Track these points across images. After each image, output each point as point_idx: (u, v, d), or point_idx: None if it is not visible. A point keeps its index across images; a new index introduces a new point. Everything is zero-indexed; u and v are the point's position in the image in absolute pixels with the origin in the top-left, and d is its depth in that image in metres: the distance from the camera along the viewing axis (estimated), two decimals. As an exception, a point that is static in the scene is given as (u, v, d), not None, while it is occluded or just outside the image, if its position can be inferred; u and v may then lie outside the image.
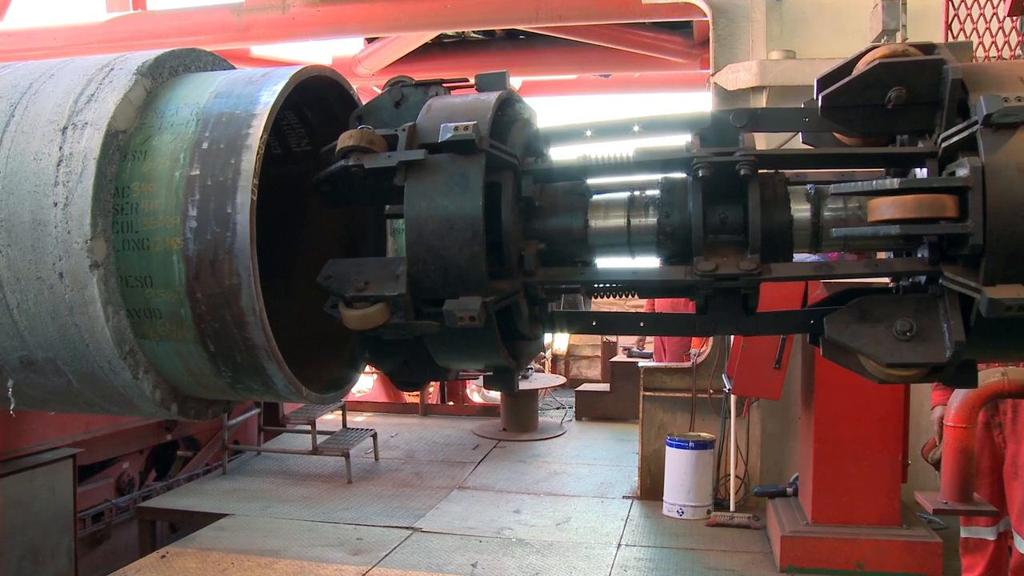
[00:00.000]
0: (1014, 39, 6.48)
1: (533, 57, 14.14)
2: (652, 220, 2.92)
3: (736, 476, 8.78)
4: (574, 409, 14.19)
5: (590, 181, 3.14)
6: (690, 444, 8.64)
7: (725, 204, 2.77)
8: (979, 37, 6.56)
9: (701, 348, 10.16)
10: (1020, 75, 2.43)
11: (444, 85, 3.19)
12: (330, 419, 11.96)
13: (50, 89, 2.90)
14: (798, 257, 2.95)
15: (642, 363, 10.16)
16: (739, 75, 8.59)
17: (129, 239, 2.76)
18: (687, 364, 9.50)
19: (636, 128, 3.00)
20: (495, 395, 14.76)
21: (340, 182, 2.86)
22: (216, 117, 2.79)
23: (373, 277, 2.79)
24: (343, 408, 11.71)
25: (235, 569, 7.23)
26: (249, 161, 2.66)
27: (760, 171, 2.80)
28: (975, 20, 6.55)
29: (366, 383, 16.68)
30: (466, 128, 2.64)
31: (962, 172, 2.38)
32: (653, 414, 9.46)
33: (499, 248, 2.78)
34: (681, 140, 2.89)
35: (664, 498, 8.87)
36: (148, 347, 2.87)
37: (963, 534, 5.70)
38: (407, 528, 8.36)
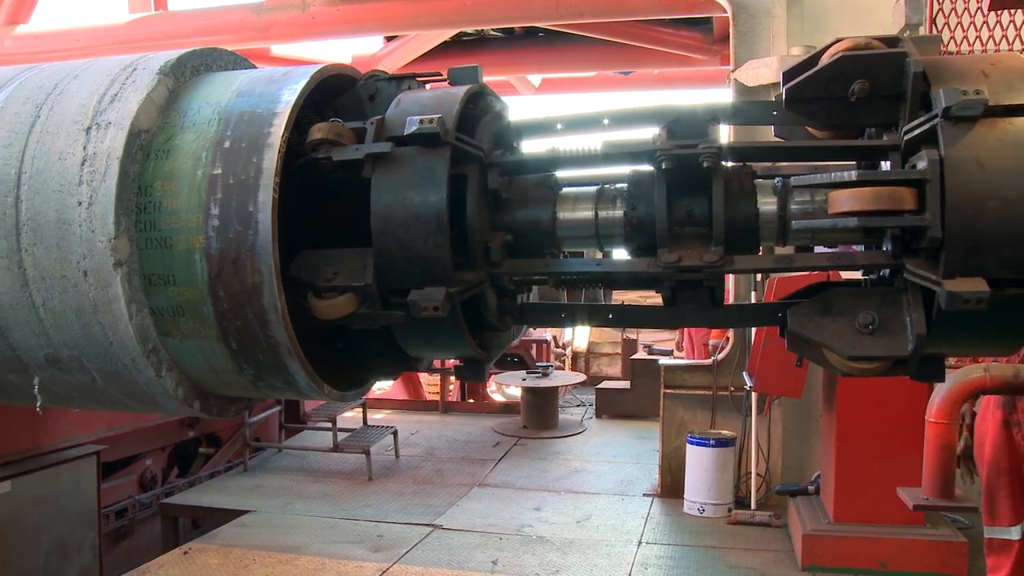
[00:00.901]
0: (998, 33, 6.42)
1: (552, 54, 14.12)
2: (619, 212, 2.95)
3: (757, 474, 8.74)
4: (594, 406, 14.16)
5: (567, 174, 3.16)
6: (711, 442, 8.61)
7: (691, 197, 2.79)
8: (963, 31, 6.50)
9: (722, 339, 10.12)
10: (982, 68, 2.42)
11: (418, 79, 3.22)
12: (350, 416, 12.01)
13: (74, 89, 2.93)
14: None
15: (662, 360, 10.14)
16: (759, 71, 8.54)
17: (152, 237, 2.78)
18: (708, 361, 9.47)
19: (605, 121, 3.03)
20: (515, 392, 14.76)
21: (311, 175, 2.89)
22: (238, 116, 2.81)
23: (342, 268, 2.82)
24: (364, 405, 11.74)
25: (256, 565, 7.27)
26: (271, 160, 2.68)
27: (729, 164, 2.83)
28: (959, 14, 6.49)
29: (386, 380, 16.71)
30: (431, 121, 2.67)
31: (922, 165, 2.39)
32: (674, 411, 9.44)
33: (465, 239, 2.82)
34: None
35: (685, 496, 8.84)
36: (171, 345, 2.90)
37: (986, 534, 5.65)
38: (428, 525, 8.38)
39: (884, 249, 2.63)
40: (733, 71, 8.83)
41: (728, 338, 9.55)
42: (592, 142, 2.97)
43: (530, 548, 7.77)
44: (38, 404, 3.14)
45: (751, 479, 8.75)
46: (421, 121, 2.69)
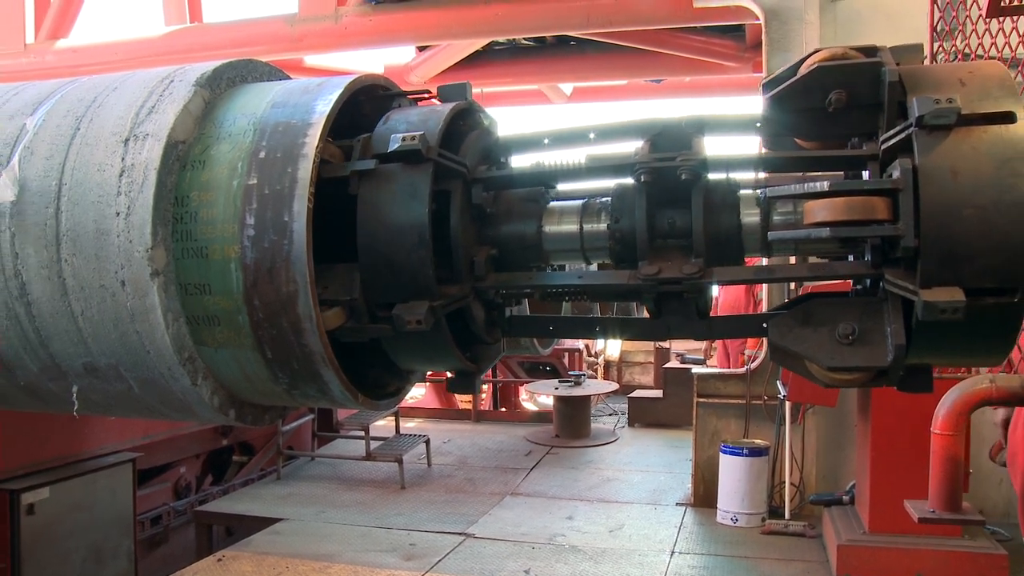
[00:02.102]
0: (1000, 40, 6.33)
1: (584, 63, 14.11)
2: (604, 226, 2.98)
3: (791, 484, 8.65)
4: (627, 415, 14.09)
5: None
6: (744, 451, 8.54)
7: (673, 209, 2.82)
8: (965, 39, 6.41)
9: (756, 348, 10.04)
10: (960, 77, 2.41)
11: (410, 96, 3.26)
12: (383, 425, 12.04)
13: (113, 102, 2.97)
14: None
15: (696, 369, 10.08)
16: (793, 78, 8.46)
17: (188, 247, 2.81)
18: (741, 370, 9.40)
19: (592, 136, 3.06)
20: (548, 401, 14.73)
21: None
22: (273, 126, 2.83)
23: (332, 282, 2.89)
24: (396, 414, 11.77)
25: (290, 573, 7.30)
26: (306, 170, 2.70)
27: (713, 176, 2.84)
28: (961, 22, 6.40)
29: (419, 389, 16.76)
30: (413, 138, 2.73)
31: (897, 174, 2.37)
32: (707, 420, 9.37)
33: (449, 254, 2.87)
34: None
35: (718, 505, 8.77)
36: (207, 353, 2.92)
37: None
38: (460, 534, 8.38)
39: (866, 259, 2.62)
40: (766, 78, 8.76)
41: (763, 347, 9.48)
42: (580, 156, 3.02)
43: (562, 557, 7.74)
44: (75, 411, 3.18)
45: (785, 488, 8.66)
46: (403, 138, 2.75)
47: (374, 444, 10.50)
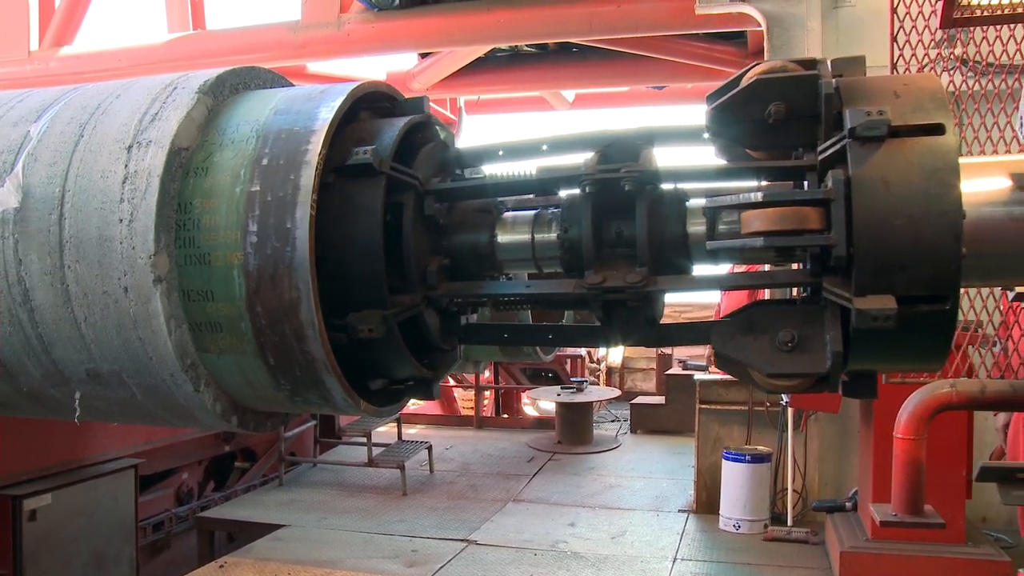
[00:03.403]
0: (959, 50, 6.37)
1: (586, 70, 14.12)
2: (554, 235, 3.04)
3: (794, 490, 8.64)
4: (629, 422, 14.08)
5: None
6: (747, 457, 8.53)
7: (621, 219, 2.88)
8: (924, 49, 6.43)
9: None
10: (895, 89, 2.45)
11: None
12: (385, 431, 12.03)
13: (116, 109, 2.98)
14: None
15: (698, 376, 10.07)
16: (795, 85, 8.46)
17: (191, 254, 2.82)
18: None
19: (544, 148, 3.15)
20: (550, 408, 14.73)
21: None
22: (276, 133, 2.84)
23: None
24: (398, 420, 11.76)
25: (292, 579, 7.30)
26: (308, 176, 2.71)
27: (666, 187, 2.90)
28: (920, 32, 6.42)
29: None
30: (365, 152, 2.81)
31: (830, 185, 2.42)
32: (709, 427, 9.37)
33: (402, 264, 2.94)
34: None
35: (720, 512, 8.76)
36: (209, 360, 2.93)
37: None
38: (462, 540, 8.37)
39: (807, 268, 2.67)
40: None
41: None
42: (532, 167, 3.11)
43: (565, 564, 7.73)
44: (77, 417, 3.19)
45: (787, 495, 8.64)
46: (356, 152, 2.82)
47: (376, 450, 10.49)
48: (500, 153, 3.22)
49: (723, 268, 3.28)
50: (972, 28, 6.33)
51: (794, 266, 2.97)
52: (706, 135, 2.89)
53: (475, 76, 14.33)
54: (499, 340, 3.55)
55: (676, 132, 3.02)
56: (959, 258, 2.27)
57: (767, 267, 3.60)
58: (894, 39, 6.47)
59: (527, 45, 13.80)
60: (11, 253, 2.92)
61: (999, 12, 5.29)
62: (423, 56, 13.88)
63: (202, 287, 2.82)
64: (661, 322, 3.08)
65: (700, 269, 3.00)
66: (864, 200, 2.30)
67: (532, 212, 3.18)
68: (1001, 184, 2.65)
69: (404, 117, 3.13)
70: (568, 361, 16.69)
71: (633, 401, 14.69)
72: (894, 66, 6.42)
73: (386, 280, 2.86)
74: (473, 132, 17.13)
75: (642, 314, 2.90)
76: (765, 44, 8.88)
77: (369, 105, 3.20)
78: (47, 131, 3.02)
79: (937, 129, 2.32)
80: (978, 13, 5.41)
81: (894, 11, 6.51)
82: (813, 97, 2.54)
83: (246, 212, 2.76)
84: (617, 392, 15.02)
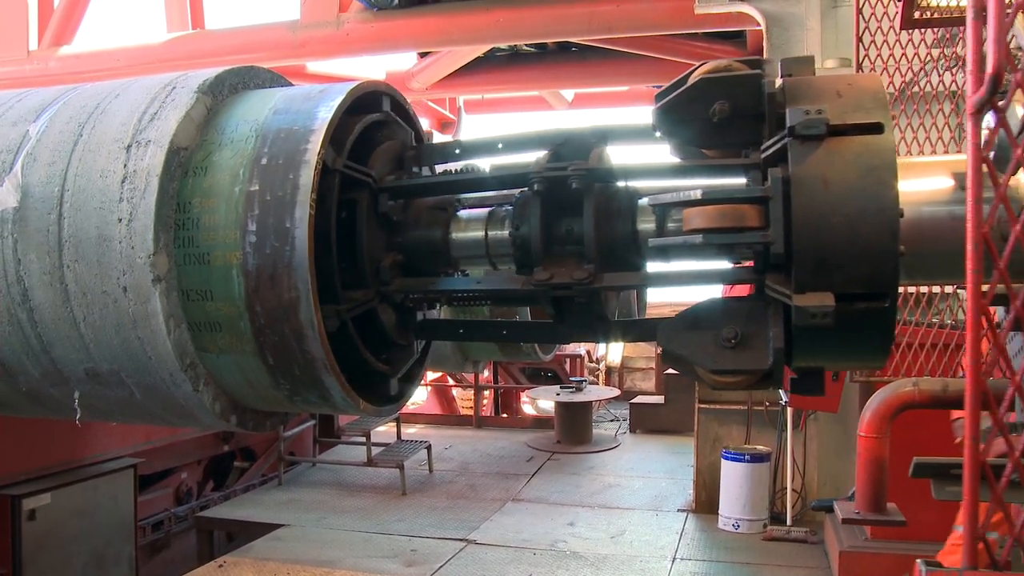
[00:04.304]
0: (923, 51, 6.37)
1: (585, 69, 14.11)
2: (507, 232, 3.10)
3: (793, 489, 8.64)
4: (628, 421, 14.08)
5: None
6: (746, 457, 8.53)
7: (572, 217, 2.92)
8: (890, 49, 6.42)
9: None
10: (838, 89, 2.47)
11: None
12: (384, 431, 12.03)
13: (115, 108, 2.97)
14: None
15: (697, 375, 10.06)
16: (794, 84, 8.45)
17: (190, 253, 2.82)
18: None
19: (500, 146, 3.22)
20: (549, 407, 14.73)
21: None
22: (275, 133, 2.84)
23: None
24: (397, 420, 11.76)
25: (291, 579, 7.30)
26: (307, 176, 2.71)
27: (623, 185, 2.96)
28: (885, 32, 6.42)
29: (420, 395, 16.75)
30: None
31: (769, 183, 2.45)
32: (708, 426, 9.36)
33: (356, 260, 3.00)
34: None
35: (719, 511, 8.76)
36: (208, 360, 2.93)
37: None
38: (461, 540, 8.37)
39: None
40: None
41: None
42: (486, 165, 3.28)
43: (564, 563, 7.73)
44: (77, 417, 3.19)
45: (787, 495, 8.65)
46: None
47: (375, 450, 10.49)
48: (456, 151, 3.30)
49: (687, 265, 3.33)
50: (886, 32, 6.37)
51: None
52: (657, 134, 2.91)
53: (474, 76, 14.33)
54: (455, 336, 3.62)
55: (630, 131, 3.07)
56: (896, 256, 2.29)
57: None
58: (859, 39, 6.48)
59: (526, 45, 13.80)
60: (10, 253, 2.92)
61: (957, 13, 5.31)
62: (422, 56, 13.88)
63: (201, 287, 2.82)
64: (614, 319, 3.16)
65: (657, 267, 3.06)
66: (803, 198, 2.32)
67: (487, 210, 3.23)
68: (943, 184, 2.66)
69: (363, 116, 3.17)
70: (567, 361, 16.69)
71: (632, 400, 14.68)
72: (860, 66, 6.43)
73: (339, 275, 2.91)
74: (472, 131, 17.14)
75: (592, 310, 2.96)
76: (764, 43, 8.87)
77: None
78: (46, 131, 3.02)
79: (876, 128, 2.34)
80: (936, 15, 5.44)
81: (859, 11, 6.52)
82: (757, 96, 2.56)
83: (245, 212, 2.76)
84: (616, 391, 15.02)
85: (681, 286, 2.98)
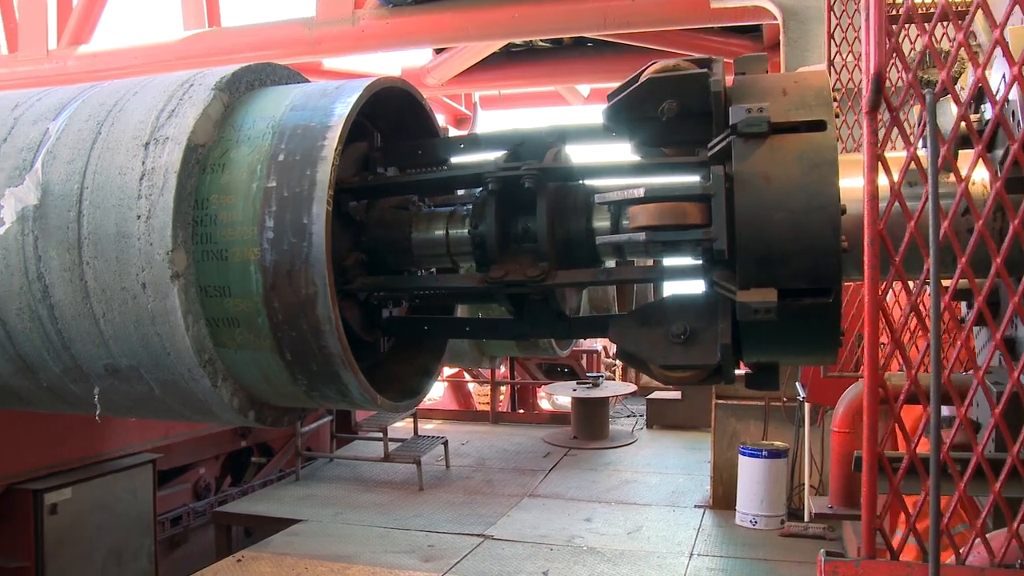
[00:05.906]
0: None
1: (601, 64, 14.08)
2: (466, 231, 3.13)
3: (811, 485, 8.61)
4: (645, 417, 14.08)
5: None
6: (763, 453, 8.51)
7: (528, 215, 2.98)
8: (862, 46, 6.38)
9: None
10: (784, 86, 2.49)
11: None
12: (401, 426, 12.07)
13: (133, 106, 2.99)
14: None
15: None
16: (811, 78, 8.41)
17: (208, 250, 2.83)
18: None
19: (461, 146, 3.30)
20: (566, 403, 14.74)
21: None
22: (292, 129, 2.85)
23: None
24: (414, 415, 11.80)
25: (308, 574, 7.34)
26: (324, 172, 2.71)
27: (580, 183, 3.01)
28: (857, 29, 6.37)
29: (437, 391, 16.78)
30: None
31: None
32: (725, 422, 9.35)
33: None
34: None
35: (737, 507, 8.75)
36: (227, 355, 2.94)
37: None
38: (478, 535, 8.39)
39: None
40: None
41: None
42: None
43: (581, 559, 7.74)
44: (97, 413, 3.21)
45: (804, 491, 8.62)
46: None
47: (392, 446, 10.54)
48: (419, 152, 3.35)
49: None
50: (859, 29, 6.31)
51: None
52: (613, 133, 2.92)
53: (490, 71, 14.31)
54: (420, 332, 3.65)
55: (587, 130, 3.09)
56: (839, 251, 2.30)
57: None
58: (831, 36, 6.45)
59: (542, 40, 13.77)
60: (31, 250, 2.94)
61: (925, 10, 5.29)
62: (438, 52, 13.88)
63: (219, 283, 2.83)
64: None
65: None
66: (745, 195, 2.34)
67: (448, 209, 3.27)
68: (885, 180, 2.64)
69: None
70: (584, 356, 16.69)
71: (649, 396, 14.67)
72: (831, 63, 6.39)
73: None
74: (488, 127, 17.13)
75: (548, 307, 3.01)
76: (781, 37, 8.81)
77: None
78: (65, 128, 3.04)
79: (818, 125, 2.35)
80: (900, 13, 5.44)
81: (831, 9, 6.48)
82: (704, 95, 2.57)
83: (263, 208, 2.77)
84: (633, 387, 15.01)
85: (625, 283, 3.03)
